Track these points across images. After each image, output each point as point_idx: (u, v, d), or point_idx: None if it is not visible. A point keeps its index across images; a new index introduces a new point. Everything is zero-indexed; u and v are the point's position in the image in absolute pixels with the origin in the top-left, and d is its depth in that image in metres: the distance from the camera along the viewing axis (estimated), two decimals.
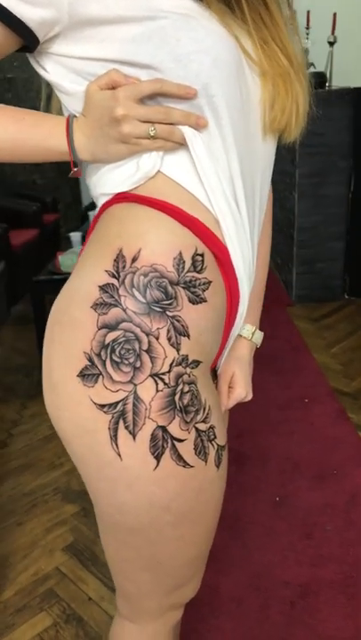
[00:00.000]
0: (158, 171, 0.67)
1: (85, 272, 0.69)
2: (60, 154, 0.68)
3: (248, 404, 2.25)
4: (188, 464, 0.69)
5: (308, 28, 3.70)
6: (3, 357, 2.66)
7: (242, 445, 2.07)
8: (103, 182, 0.71)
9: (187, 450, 0.68)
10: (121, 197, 0.69)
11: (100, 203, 0.73)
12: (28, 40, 0.65)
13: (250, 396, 0.88)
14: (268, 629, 1.38)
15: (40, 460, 2.05)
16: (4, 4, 0.61)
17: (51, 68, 0.69)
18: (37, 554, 1.64)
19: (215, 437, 0.72)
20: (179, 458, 0.68)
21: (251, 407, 2.31)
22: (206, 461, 0.71)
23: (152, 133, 0.64)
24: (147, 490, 0.68)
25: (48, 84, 0.76)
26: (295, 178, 3.23)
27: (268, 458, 2.00)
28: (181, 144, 0.66)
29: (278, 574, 1.54)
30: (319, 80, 3.19)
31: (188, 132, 0.66)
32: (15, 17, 0.62)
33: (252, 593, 1.48)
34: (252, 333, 0.88)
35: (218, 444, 0.73)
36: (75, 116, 0.68)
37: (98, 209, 0.72)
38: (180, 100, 0.65)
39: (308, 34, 3.71)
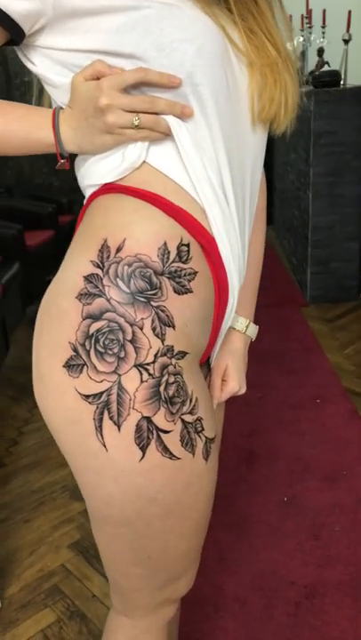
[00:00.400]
0: (144, 161, 0.67)
1: (72, 263, 0.69)
2: (47, 146, 0.68)
3: (260, 403, 2.23)
4: (175, 456, 0.68)
5: (323, 27, 3.68)
6: (16, 357, 2.68)
7: (252, 444, 2.06)
8: (90, 174, 0.71)
9: (173, 441, 0.68)
10: (107, 188, 0.69)
11: (87, 194, 0.73)
12: (14, 33, 0.65)
13: (243, 390, 0.87)
14: (273, 630, 1.36)
15: (49, 457, 2.06)
16: None
17: (38, 61, 0.69)
18: (43, 550, 1.65)
19: (203, 429, 0.71)
20: (165, 449, 0.67)
21: (263, 406, 2.31)
22: (194, 453, 0.70)
23: (136, 123, 0.63)
24: (133, 481, 0.68)
25: (39, 79, 0.76)
26: (310, 177, 3.20)
27: (278, 457, 1.99)
28: (167, 134, 0.66)
29: (284, 574, 1.52)
30: (334, 78, 3.16)
31: (173, 121, 0.65)
32: (2, 11, 0.63)
33: (257, 593, 1.47)
34: (246, 326, 0.87)
35: (206, 437, 0.72)
36: (61, 108, 0.68)
37: (85, 200, 0.73)
38: (164, 89, 0.64)
39: (323, 32, 3.69)
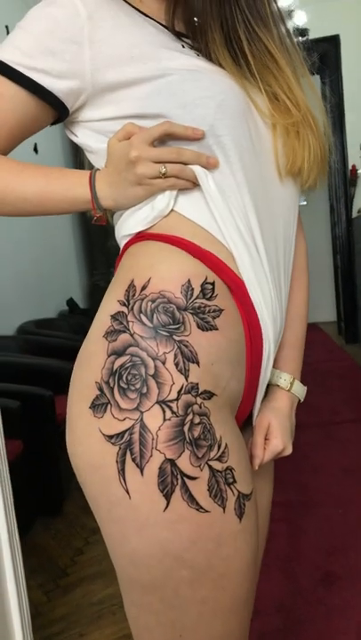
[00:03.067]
0: (172, 210, 0.71)
1: (102, 306, 0.71)
2: (84, 202, 0.74)
3: (341, 518, 2.05)
4: (202, 507, 0.63)
5: None
6: None
7: (332, 564, 1.84)
8: (124, 226, 0.75)
9: (200, 490, 0.63)
10: (138, 237, 0.73)
11: (121, 245, 0.77)
12: (60, 110, 0.74)
13: (288, 451, 0.80)
14: None
15: (112, 568, 1.94)
16: (37, 80, 0.71)
17: (80, 134, 0.77)
18: None
19: (235, 482, 0.66)
20: (190, 498, 0.63)
21: (344, 522, 2.10)
22: (224, 508, 0.65)
23: (163, 171, 0.68)
24: (158, 535, 0.63)
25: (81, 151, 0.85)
26: None
27: None
28: (193, 182, 0.70)
29: None
30: None
31: (199, 170, 0.69)
32: (46, 90, 0.72)
33: None
34: (291, 384, 0.83)
35: (239, 491, 0.67)
36: (97, 169, 0.75)
37: (120, 251, 0.76)
38: (189, 141, 0.69)
39: None
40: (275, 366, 0.83)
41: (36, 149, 3.54)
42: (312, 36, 4.02)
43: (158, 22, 0.76)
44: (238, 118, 0.70)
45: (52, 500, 2.33)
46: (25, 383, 2.43)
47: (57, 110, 0.74)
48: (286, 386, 0.82)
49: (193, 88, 0.69)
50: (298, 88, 0.76)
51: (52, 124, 0.78)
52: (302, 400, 0.85)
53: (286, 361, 0.84)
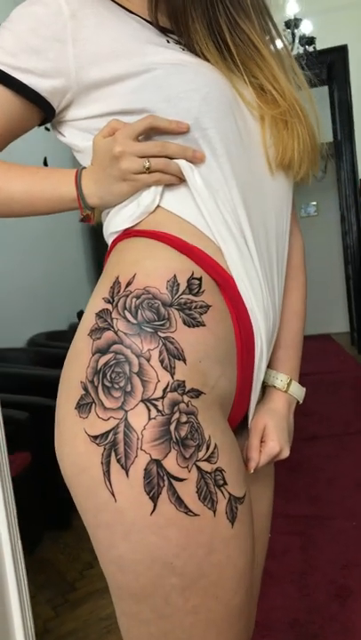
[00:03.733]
0: (158, 206, 0.69)
1: (89, 305, 0.70)
2: (71, 201, 0.73)
3: (356, 531, 1.99)
4: (191, 510, 0.61)
5: None
6: None
7: (346, 578, 1.79)
8: (112, 224, 0.74)
9: (188, 492, 0.61)
10: (125, 234, 0.71)
11: (109, 243, 0.75)
12: (46, 110, 0.73)
13: (286, 453, 0.77)
14: None
15: None
16: (22, 80, 0.71)
17: (67, 133, 0.76)
18: None
19: (225, 483, 0.63)
20: (178, 501, 0.60)
21: (359, 536, 2.04)
22: (215, 512, 0.62)
23: (147, 165, 0.66)
24: (145, 540, 0.61)
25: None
26: None
27: None
28: (179, 177, 0.68)
29: None
30: None
31: (184, 164, 0.68)
32: (31, 89, 0.71)
33: None
34: (287, 384, 0.80)
35: (230, 493, 0.64)
36: (84, 167, 0.74)
37: (108, 248, 0.75)
38: (175, 135, 0.68)
39: None
40: (271, 367, 0.81)
41: (45, 163, 3.56)
42: (320, 46, 4.02)
43: (143, 18, 0.75)
44: (224, 111, 0.68)
45: (60, 514, 2.30)
46: (35, 395, 2.42)
47: (43, 110, 0.73)
48: (283, 387, 0.79)
49: (178, 81, 0.68)
50: (283, 77, 0.74)
51: (41, 124, 0.77)
52: (301, 402, 0.82)
53: (283, 361, 0.81)
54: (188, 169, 0.68)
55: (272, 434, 0.76)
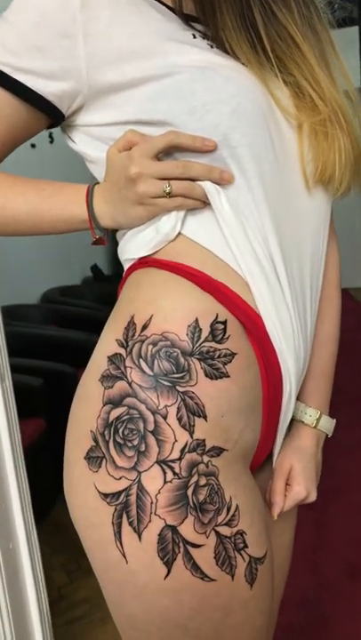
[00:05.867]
0: (180, 233, 0.61)
1: (100, 342, 0.64)
2: (81, 222, 0.65)
3: None
4: (207, 576, 0.57)
5: None
6: None
7: (359, 556, 1.79)
8: (127, 248, 0.66)
9: (205, 558, 0.57)
10: (141, 263, 0.64)
11: (125, 269, 0.68)
12: (52, 116, 0.64)
13: (313, 497, 0.72)
14: None
15: None
16: (25, 83, 0.61)
17: (78, 139, 0.68)
18: None
19: (246, 546, 0.59)
20: (194, 567, 0.56)
21: None
22: (233, 575, 0.58)
23: (167, 190, 0.58)
24: (157, 602, 0.57)
25: None
26: None
27: None
28: (203, 201, 0.60)
29: None
30: None
31: (209, 187, 0.59)
32: (36, 94, 0.62)
33: None
34: (317, 419, 0.74)
35: (251, 555, 0.59)
36: (97, 183, 0.65)
37: (123, 276, 0.67)
38: (199, 154, 0.59)
39: None
40: (299, 399, 0.74)
41: (51, 137, 3.36)
42: None
43: (164, 4, 0.64)
44: (257, 124, 0.59)
45: None
46: (47, 357, 2.39)
47: (50, 115, 0.64)
48: (312, 422, 0.73)
49: (203, 89, 0.58)
50: (324, 78, 0.64)
51: (49, 127, 0.68)
52: (330, 435, 0.76)
53: (312, 393, 0.74)
54: (214, 192, 0.59)
55: (299, 477, 0.70)
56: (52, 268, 3.37)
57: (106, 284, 3.67)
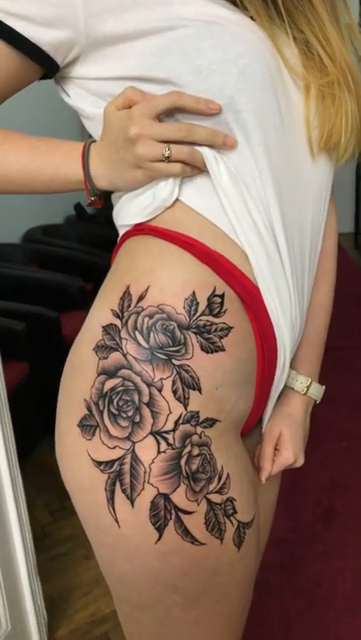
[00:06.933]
0: (177, 199, 0.59)
1: (94, 309, 0.62)
2: (76, 182, 0.62)
3: (345, 453, 2.00)
4: (198, 541, 0.58)
5: None
6: None
7: (332, 500, 1.87)
8: (122, 213, 0.64)
9: (195, 524, 0.58)
10: (137, 229, 0.62)
11: (120, 235, 0.66)
12: (47, 66, 0.60)
13: (300, 462, 0.74)
14: None
15: None
16: (19, 30, 0.57)
17: (73, 93, 0.64)
18: (98, 593, 1.58)
19: (235, 512, 0.60)
20: (185, 532, 0.58)
21: (348, 458, 2.11)
22: (222, 539, 0.60)
23: (166, 154, 0.55)
24: (148, 564, 0.59)
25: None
26: None
27: None
28: (203, 169, 0.58)
29: None
30: None
31: (208, 154, 0.57)
32: (30, 42, 0.58)
33: None
34: (307, 387, 0.75)
35: (239, 521, 0.61)
36: (93, 141, 0.62)
37: (118, 241, 0.65)
38: (202, 117, 0.56)
39: None
40: (290, 366, 0.74)
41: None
42: None
43: None
44: (265, 89, 0.56)
45: None
46: (30, 299, 2.37)
47: (44, 65, 0.60)
48: (302, 389, 0.74)
49: (210, 47, 0.54)
50: (335, 35, 0.61)
51: (42, 78, 0.64)
52: (319, 401, 0.77)
53: (304, 361, 0.75)
54: (212, 160, 0.57)
55: (287, 443, 0.72)
56: (34, 204, 3.27)
57: (90, 223, 3.58)
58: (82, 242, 3.26)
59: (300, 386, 0.74)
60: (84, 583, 1.61)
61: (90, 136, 0.67)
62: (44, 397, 2.25)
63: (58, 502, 1.97)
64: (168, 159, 0.56)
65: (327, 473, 2.00)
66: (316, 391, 0.76)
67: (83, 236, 3.35)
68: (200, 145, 0.57)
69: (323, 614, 1.46)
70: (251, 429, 0.72)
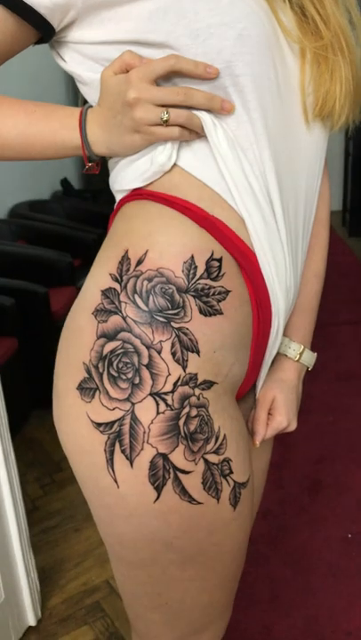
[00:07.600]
0: (175, 164, 0.59)
1: (92, 275, 0.63)
2: (74, 148, 0.62)
3: (331, 427, 2.04)
4: (195, 500, 0.60)
5: None
6: None
7: (318, 472, 1.91)
8: (120, 178, 0.64)
9: (193, 484, 0.59)
10: (135, 194, 0.62)
11: (117, 200, 0.66)
12: (43, 30, 0.59)
13: (293, 426, 0.76)
14: None
15: None
16: None
17: (68, 58, 0.63)
18: (90, 563, 1.60)
19: (231, 472, 0.62)
20: (183, 492, 0.59)
21: (334, 431, 2.15)
22: (218, 499, 0.61)
23: (165, 118, 0.55)
24: (146, 523, 0.61)
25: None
26: None
27: (347, 489, 1.83)
28: (200, 133, 0.58)
29: (341, 622, 1.38)
30: None
31: (206, 118, 0.57)
32: (26, 4, 0.57)
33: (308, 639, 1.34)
34: (300, 354, 0.76)
35: (235, 481, 0.63)
36: (90, 107, 0.62)
37: (115, 207, 0.66)
38: (200, 81, 0.56)
39: None
40: (284, 333, 0.76)
41: None
42: None
43: None
44: (262, 54, 0.56)
45: (46, 394, 2.35)
46: (19, 275, 2.35)
47: (40, 29, 0.59)
48: (295, 356, 0.75)
49: (207, 10, 0.54)
50: (333, 7, 0.60)
51: (37, 42, 0.63)
52: (311, 368, 0.78)
53: (297, 328, 0.76)
54: (210, 125, 0.57)
55: (281, 407, 0.73)
56: (21, 179, 3.23)
57: (76, 199, 3.55)
58: (68, 217, 3.23)
59: (293, 353, 0.75)
60: (75, 555, 1.64)
61: (86, 102, 0.66)
62: (32, 373, 2.25)
63: (48, 476, 1.99)
64: (166, 123, 0.56)
65: (314, 446, 2.03)
66: (309, 358, 0.77)
67: (69, 210, 3.32)
68: (198, 109, 0.57)
69: (309, 581, 1.50)
70: (244, 395, 0.73)
